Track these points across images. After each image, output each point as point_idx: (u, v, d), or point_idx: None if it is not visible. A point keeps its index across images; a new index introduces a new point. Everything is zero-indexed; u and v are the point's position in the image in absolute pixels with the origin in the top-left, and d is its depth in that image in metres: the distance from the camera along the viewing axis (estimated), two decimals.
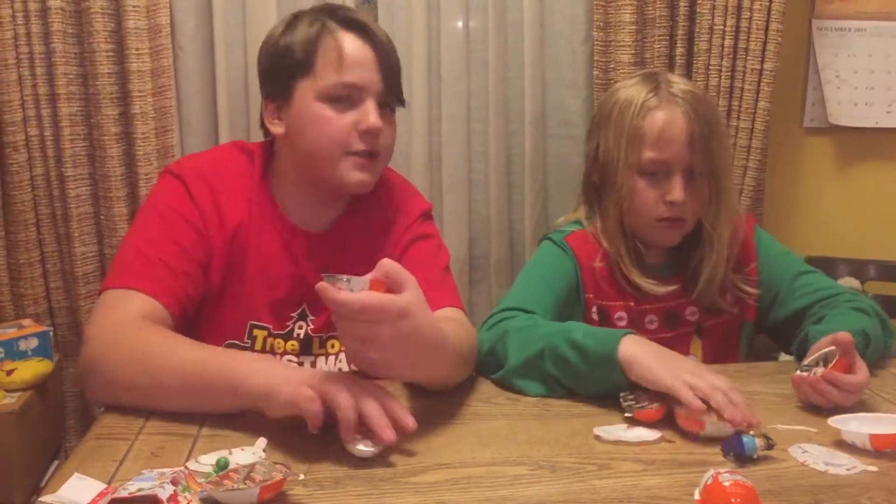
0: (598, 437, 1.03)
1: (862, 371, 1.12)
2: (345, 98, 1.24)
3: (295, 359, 1.33)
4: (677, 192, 1.34)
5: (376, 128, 1.24)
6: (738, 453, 0.96)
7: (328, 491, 0.90)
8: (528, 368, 1.20)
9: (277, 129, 1.30)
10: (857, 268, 2.11)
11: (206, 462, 0.92)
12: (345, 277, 0.94)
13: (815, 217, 2.34)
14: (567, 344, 1.17)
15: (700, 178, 1.37)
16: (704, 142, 1.34)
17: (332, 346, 1.35)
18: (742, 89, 2.10)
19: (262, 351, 1.31)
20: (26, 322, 2.00)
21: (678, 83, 1.38)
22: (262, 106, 1.34)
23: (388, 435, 0.94)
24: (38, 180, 2.00)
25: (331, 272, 0.94)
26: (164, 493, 0.81)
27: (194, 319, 1.26)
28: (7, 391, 1.79)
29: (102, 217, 2.02)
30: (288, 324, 1.32)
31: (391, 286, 0.96)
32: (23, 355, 1.90)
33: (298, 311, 1.33)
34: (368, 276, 0.96)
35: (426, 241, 1.39)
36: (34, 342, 1.93)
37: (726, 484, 0.85)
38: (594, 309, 1.41)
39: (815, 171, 2.36)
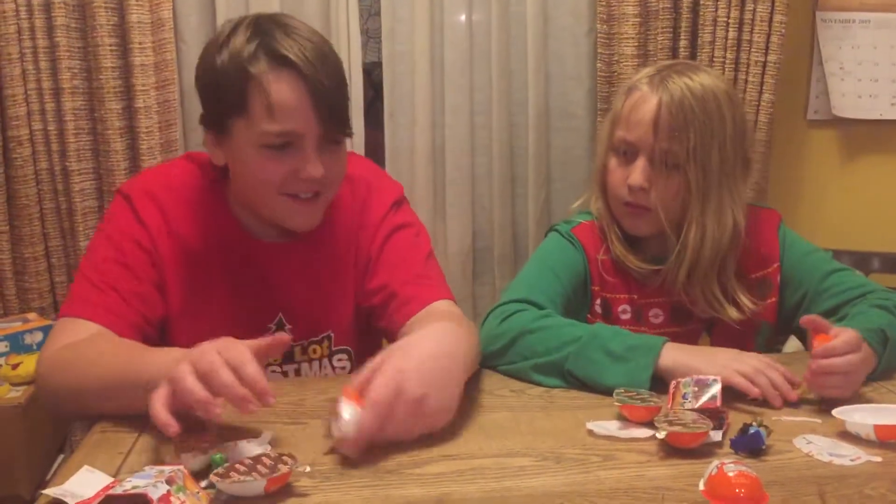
0: (590, 432, 1.03)
1: (843, 332, 1.11)
2: (280, 144, 1.15)
3: (278, 369, 1.31)
4: (636, 175, 1.32)
5: (315, 177, 1.17)
6: (751, 448, 0.96)
7: (333, 483, 0.90)
8: (551, 367, 1.20)
9: (218, 159, 1.23)
10: (861, 260, 2.11)
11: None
12: (332, 422, 0.94)
13: (819, 209, 2.34)
14: (601, 351, 1.18)
15: (671, 169, 1.31)
16: (675, 131, 1.29)
17: (314, 352, 1.33)
18: (746, 81, 2.10)
19: None
20: (31, 316, 2.01)
21: (688, 77, 1.32)
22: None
23: (246, 408, 0.90)
24: (42, 174, 2.01)
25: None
26: (157, 492, 0.81)
27: (165, 339, 1.24)
28: (13, 385, 1.79)
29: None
30: (267, 335, 1.24)
31: (363, 388, 0.95)
32: (28, 349, 1.91)
33: (275, 321, 1.30)
34: (345, 401, 0.94)
35: (403, 231, 1.34)
36: (40, 336, 1.93)
37: (731, 474, 0.85)
38: (598, 301, 1.40)
39: (818, 164, 2.36)
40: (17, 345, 1.91)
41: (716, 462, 0.88)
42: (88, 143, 2.03)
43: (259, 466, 0.87)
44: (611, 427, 1.04)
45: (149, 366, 0.98)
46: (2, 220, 2.00)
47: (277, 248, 1.29)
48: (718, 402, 1.02)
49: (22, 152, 1.97)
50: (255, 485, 0.85)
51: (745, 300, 1.36)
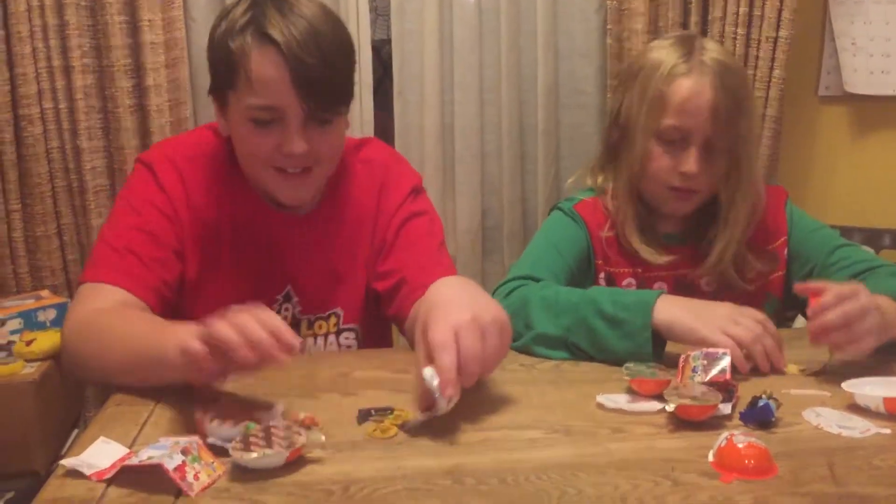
0: (600, 405, 1.04)
1: (832, 288, 1.10)
2: (267, 119, 1.18)
3: None
4: (692, 163, 1.32)
5: (296, 154, 1.18)
6: (761, 421, 0.96)
7: (346, 454, 0.91)
8: (553, 340, 1.21)
9: (224, 129, 1.26)
10: (872, 236, 2.10)
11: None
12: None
13: (830, 185, 2.34)
14: (598, 316, 1.18)
15: (718, 152, 1.34)
16: (728, 116, 1.31)
17: (320, 327, 1.35)
18: (757, 57, 2.09)
19: None
20: (44, 293, 2.02)
21: (712, 50, 1.34)
22: None
23: (281, 357, 0.91)
24: (53, 153, 2.01)
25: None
26: (172, 462, 0.82)
27: (178, 306, 1.26)
28: (27, 361, 1.81)
29: (118, 189, 2.03)
30: (274, 306, 1.30)
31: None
32: (41, 326, 1.92)
33: (283, 294, 1.32)
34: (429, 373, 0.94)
35: (419, 218, 1.36)
36: (52, 313, 1.95)
37: (740, 446, 0.86)
38: (602, 275, 1.41)
39: (830, 140, 2.34)
40: (31, 322, 1.92)
41: (725, 434, 0.89)
42: (99, 121, 2.03)
43: (274, 438, 0.88)
44: (620, 400, 1.04)
45: (172, 340, 0.99)
46: (14, 199, 2.01)
47: (291, 221, 1.31)
48: (728, 376, 1.03)
49: (33, 131, 1.98)
50: (277, 457, 0.86)
51: (754, 268, 1.39)
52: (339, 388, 1.08)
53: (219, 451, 0.89)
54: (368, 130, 2.20)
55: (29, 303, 1.95)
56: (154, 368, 1.03)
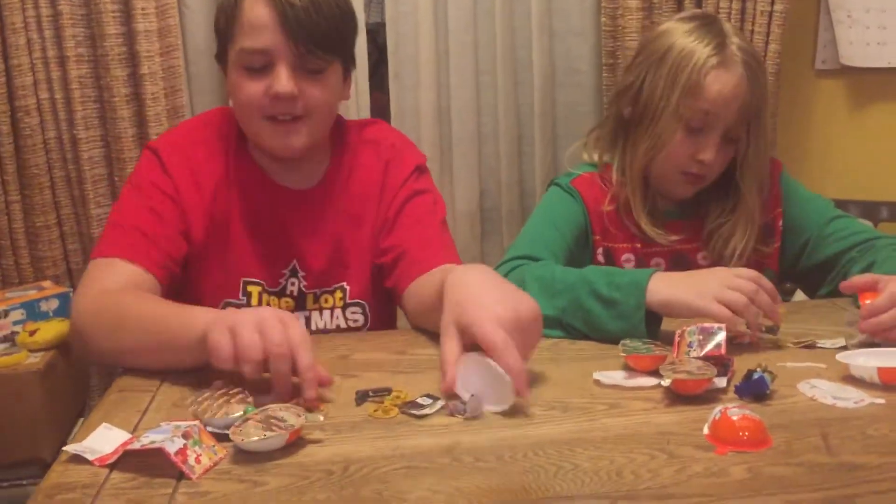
0: (597, 382, 1.05)
1: (889, 284, 1.12)
2: (259, 65, 1.23)
3: None
4: (709, 152, 1.34)
5: (283, 94, 1.22)
6: (755, 393, 0.97)
7: (345, 434, 0.92)
8: (549, 320, 1.21)
9: (229, 96, 1.33)
10: (870, 209, 2.11)
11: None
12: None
13: (827, 159, 2.34)
14: (592, 297, 1.18)
15: (732, 142, 1.37)
16: (754, 108, 1.34)
17: (326, 301, 1.37)
18: (752, 31, 2.08)
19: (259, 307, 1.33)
20: (46, 284, 2.03)
21: (736, 39, 1.35)
22: None
23: (310, 395, 0.97)
24: (50, 143, 2.02)
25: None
26: (174, 446, 0.84)
27: (186, 281, 1.30)
28: (31, 351, 1.82)
29: (116, 178, 2.04)
30: (280, 281, 1.35)
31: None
32: (44, 316, 1.93)
33: (289, 268, 1.35)
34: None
35: (422, 196, 1.39)
36: (55, 303, 1.96)
37: (734, 418, 0.87)
38: (600, 251, 1.42)
39: (826, 113, 2.34)
40: (34, 312, 1.93)
41: (719, 407, 0.90)
42: (95, 110, 2.03)
43: (272, 420, 0.89)
44: (617, 377, 1.05)
45: (195, 326, 1.02)
46: (13, 190, 2.01)
47: (297, 196, 1.35)
48: (723, 350, 1.04)
49: (30, 122, 1.98)
50: (278, 439, 0.87)
51: (761, 247, 1.43)
52: (339, 370, 1.09)
53: (220, 436, 0.90)
54: (365, 114, 2.20)
55: (31, 293, 1.96)
56: (174, 351, 1.07)
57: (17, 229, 2.03)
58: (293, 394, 0.98)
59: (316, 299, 1.37)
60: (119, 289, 1.18)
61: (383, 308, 1.43)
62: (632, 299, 1.16)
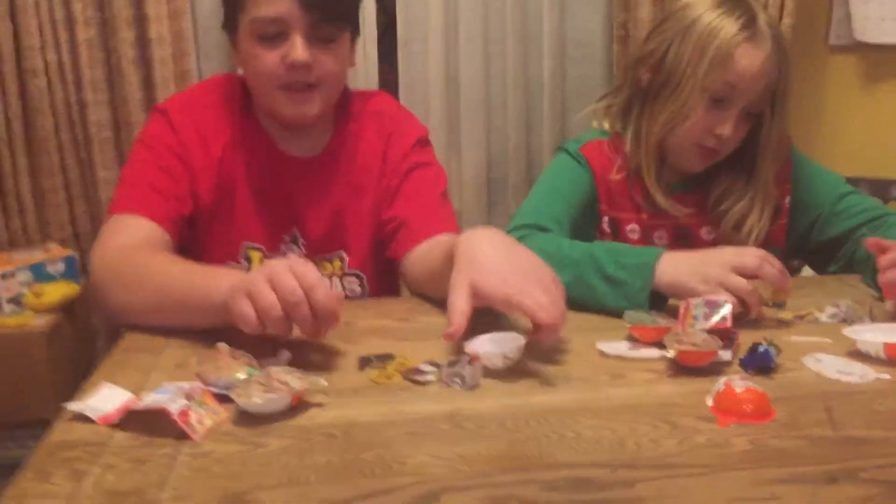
0: (600, 352, 1.04)
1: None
2: (273, 34, 1.23)
3: None
4: (728, 126, 1.32)
5: (299, 62, 1.22)
6: (760, 367, 0.97)
7: (347, 399, 0.92)
8: None
9: (238, 64, 1.32)
10: (881, 188, 2.09)
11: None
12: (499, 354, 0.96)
13: (840, 135, 2.32)
14: (598, 275, 1.18)
15: (750, 118, 1.35)
16: (779, 86, 1.33)
17: (324, 269, 1.38)
18: (766, 5, 2.06)
19: None
20: (53, 246, 2.04)
21: (764, 15, 1.33)
22: None
23: (320, 333, 0.98)
24: (58, 106, 2.01)
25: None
26: (176, 407, 0.83)
27: (189, 243, 1.31)
28: (37, 312, 1.83)
29: (123, 142, 2.03)
30: (281, 247, 1.37)
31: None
32: (51, 278, 1.94)
33: (289, 235, 1.37)
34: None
35: (423, 168, 1.40)
36: (61, 266, 1.97)
37: (738, 391, 0.87)
38: (606, 220, 1.41)
39: (839, 90, 2.32)
40: (40, 274, 1.94)
41: (723, 379, 0.90)
42: (103, 73, 2.03)
43: (275, 382, 0.89)
44: (621, 347, 1.05)
45: (218, 288, 1.01)
46: (21, 152, 2.02)
47: (300, 163, 1.36)
48: (728, 323, 1.03)
49: (38, 84, 1.98)
50: (281, 401, 0.87)
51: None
52: (343, 337, 1.08)
53: (222, 398, 0.90)
54: (373, 83, 2.18)
55: (38, 255, 1.97)
56: (195, 312, 1.06)
57: (24, 192, 2.04)
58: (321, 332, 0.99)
59: (315, 266, 1.37)
60: (137, 244, 1.19)
61: (382, 280, 1.43)
62: (638, 281, 1.15)
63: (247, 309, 0.95)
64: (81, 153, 2.05)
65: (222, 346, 1.00)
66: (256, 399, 0.87)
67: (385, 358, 1.02)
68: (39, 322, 1.80)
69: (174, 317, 1.10)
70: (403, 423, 0.86)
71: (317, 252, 1.37)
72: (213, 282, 1.04)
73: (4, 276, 1.87)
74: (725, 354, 1.00)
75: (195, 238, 1.33)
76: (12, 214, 2.05)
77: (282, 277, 0.94)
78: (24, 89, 1.98)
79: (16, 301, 1.88)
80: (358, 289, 1.40)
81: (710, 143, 1.35)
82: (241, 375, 0.92)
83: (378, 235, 1.39)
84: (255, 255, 1.35)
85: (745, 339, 1.03)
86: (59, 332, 1.78)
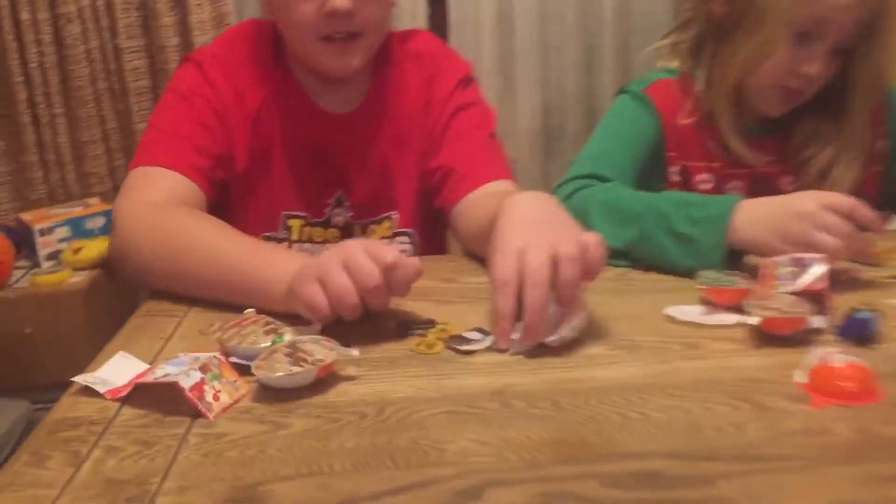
0: (670, 318, 0.93)
1: None
2: None
3: None
4: (816, 64, 1.18)
5: (340, 9, 1.11)
6: (859, 336, 0.84)
7: (383, 371, 0.82)
8: (616, 253, 1.08)
9: (268, 14, 1.21)
10: None
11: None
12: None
13: None
14: (665, 232, 1.06)
15: (839, 55, 1.20)
16: (875, 20, 1.17)
17: (373, 233, 1.30)
18: None
19: (300, 241, 1.26)
20: (92, 201, 1.99)
21: None
22: None
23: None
24: (93, 53, 1.95)
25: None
26: (189, 381, 0.75)
27: (222, 208, 1.21)
28: (75, 269, 1.78)
29: (160, 91, 1.96)
30: (325, 211, 1.27)
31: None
32: (90, 234, 1.89)
33: (334, 198, 1.27)
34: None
35: (468, 109, 1.29)
36: (101, 221, 1.91)
37: (838, 365, 0.74)
38: (675, 169, 1.28)
39: None
40: (79, 230, 1.89)
41: (818, 351, 0.77)
42: (138, 18, 1.96)
43: (299, 354, 0.79)
44: (693, 312, 0.93)
45: (278, 273, 0.92)
46: (58, 103, 1.96)
47: (341, 120, 1.25)
48: (823, 284, 0.90)
49: (72, 30, 1.91)
50: (306, 375, 0.78)
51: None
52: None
53: (243, 368, 0.81)
54: (421, 24, 2.07)
55: (77, 210, 1.92)
56: (250, 295, 0.95)
57: (63, 144, 1.99)
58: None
59: (363, 230, 1.30)
60: (166, 201, 1.09)
61: (432, 236, 1.35)
62: (712, 237, 1.03)
63: (319, 296, 0.85)
64: (119, 104, 1.99)
65: (250, 312, 0.91)
66: (279, 372, 0.77)
67: (426, 324, 0.92)
68: (77, 279, 1.74)
69: (217, 294, 0.99)
70: (443, 401, 0.76)
71: (364, 216, 1.29)
72: (279, 265, 0.94)
73: (42, 232, 1.82)
74: (818, 321, 0.87)
75: (227, 205, 1.22)
76: (51, 167, 2.00)
77: (359, 259, 0.85)
78: (59, 36, 1.92)
79: (53, 258, 1.84)
80: (409, 247, 1.31)
81: (795, 83, 1.21)
82: (266, 344, 0.83)
83: (425, 187, 1.29)
84: (296, 224, 1.26)
85: (840, 303, 0.90)
86: (96, 290, 1.72)
